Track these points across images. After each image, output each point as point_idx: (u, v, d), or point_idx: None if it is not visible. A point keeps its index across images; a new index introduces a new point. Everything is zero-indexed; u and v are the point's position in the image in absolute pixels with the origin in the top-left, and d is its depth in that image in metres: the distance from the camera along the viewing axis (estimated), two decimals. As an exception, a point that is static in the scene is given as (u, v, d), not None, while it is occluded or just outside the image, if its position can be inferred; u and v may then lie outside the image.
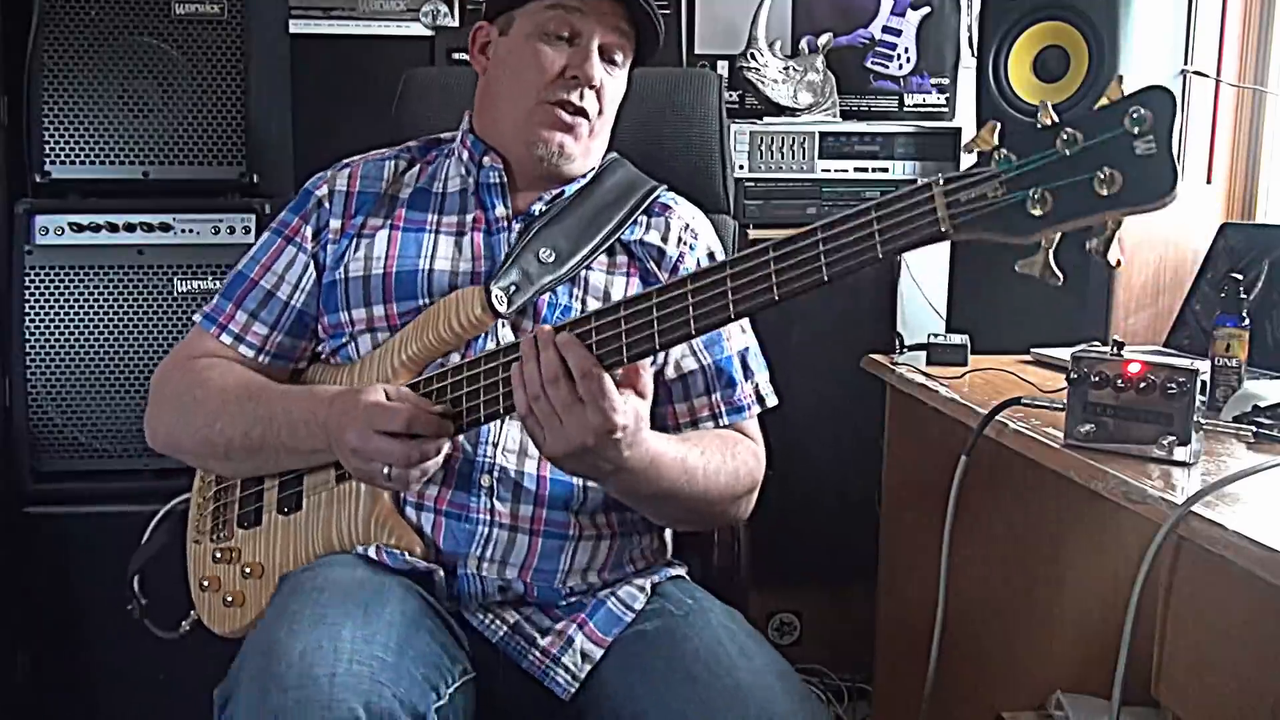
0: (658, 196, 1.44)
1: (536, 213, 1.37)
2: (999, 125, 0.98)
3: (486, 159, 1.38)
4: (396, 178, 1.41)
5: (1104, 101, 0.93)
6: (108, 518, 1.86)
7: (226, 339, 1.37)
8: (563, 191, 1.39)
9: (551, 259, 1.33)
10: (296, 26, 2.26)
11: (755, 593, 2.38)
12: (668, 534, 1.45)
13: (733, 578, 1.60)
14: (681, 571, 1.41)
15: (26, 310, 1.88)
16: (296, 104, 2.13)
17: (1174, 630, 1.14)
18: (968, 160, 2.22)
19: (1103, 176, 0.92)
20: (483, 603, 1.27)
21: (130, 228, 1.91)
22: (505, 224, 1.36)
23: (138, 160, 1.92)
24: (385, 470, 1.17)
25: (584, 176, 1.41)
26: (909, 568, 1.88)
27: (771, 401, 1.43)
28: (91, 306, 1.90)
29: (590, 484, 1.28)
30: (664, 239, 1.40)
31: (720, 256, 1.42)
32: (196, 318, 1.41)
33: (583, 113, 1.34)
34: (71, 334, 1.90)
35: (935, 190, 0.98)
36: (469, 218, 1.37)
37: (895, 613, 1.97)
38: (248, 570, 1.34)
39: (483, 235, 1.36)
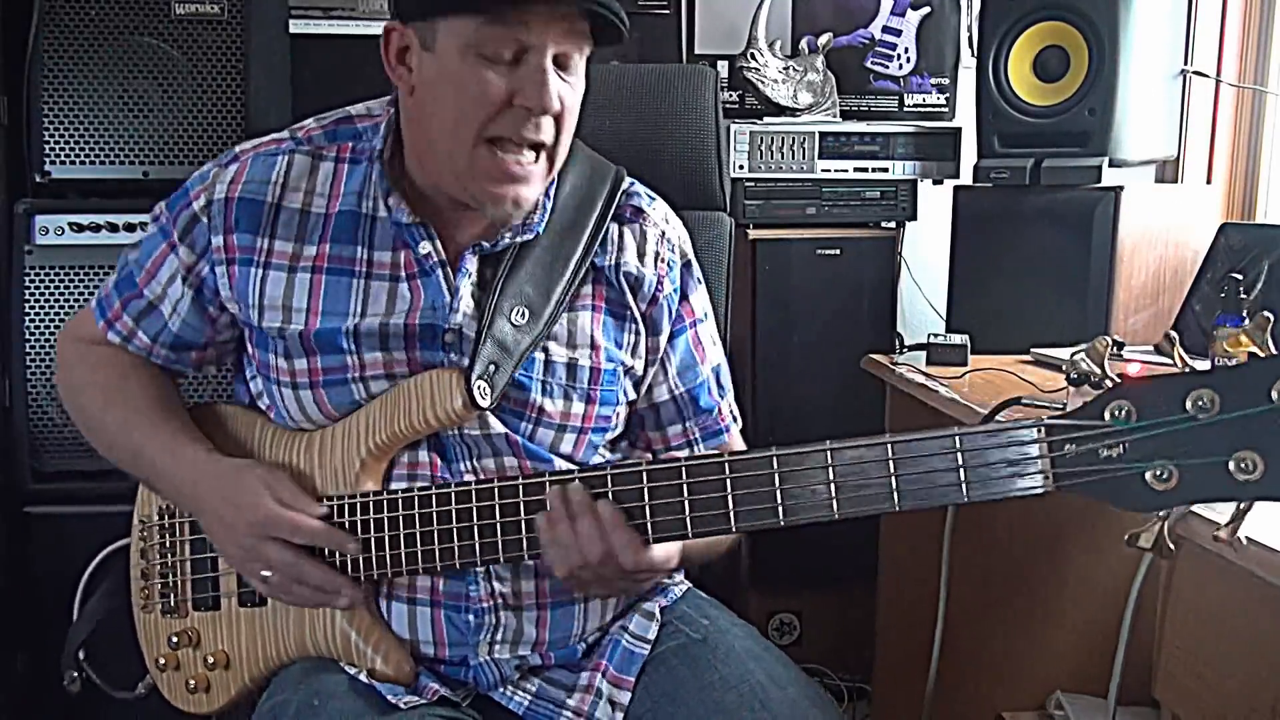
0: (626, 196, 1.26)
1: (488, 256, 1.18)
2: (1112, 342, 0.84)
3: (391, 200, 1.16)
4: (291, 182, 1.19)
5: (1247, 350, 0.80)
6: (108, 518, 1.85)
7: (114, 338, 1.26)
8: (523, 230, 1.19)
9: (525, 318, 1.16)
10: (296, 26, 2.26)
11: (755, 593, 2.39)
12: None
13: (733, 577, 1.60)
14: (684, 583, 1.35)
15: (26, 310, 1.88)
16: (296, 104, 2.13)
17: (1173, 630, 1.14)
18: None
19: (1243, 462, 0.78)
20: (501, 683, 1.20)
21: (130, 228, 1.90)
22: (435, 261, 1.17)
23: (138, 160, 1.91)
24: (266, 574, 1.13)
25: (535, 215, 1.19)
26: (909, 568, 1.87)
27: (738, 421, 1.34)
28: (91, 306, 1.90)
29: None
30: (641, 258, 1.23)
31: (694, 262, 1.30)
32: (92, 302, 1.29)
33: (539, 148, 1.12)
34: (71, 334, 1.89)
35: (1038, 438, 0.85)
36: (401, 257, 1.17)
37: (895, 613, 1.97)
38: (211, 660, 1.23)
39: (419, 280, 1.17)
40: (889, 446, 0.90)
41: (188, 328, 1.24)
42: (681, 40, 2.60)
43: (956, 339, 1.85)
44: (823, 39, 2.53)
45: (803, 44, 2.59)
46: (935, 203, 2.38)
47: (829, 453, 0.92)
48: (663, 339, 1.26)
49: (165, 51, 1.90)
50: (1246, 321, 0.81)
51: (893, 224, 2.40)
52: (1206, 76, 2.26)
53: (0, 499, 1.90)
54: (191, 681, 1.24)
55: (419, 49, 1.11)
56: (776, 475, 0.96)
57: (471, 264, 1.17)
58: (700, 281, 1.31)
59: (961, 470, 0.87)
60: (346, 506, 1.14)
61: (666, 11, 2.59)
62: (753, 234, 2.31)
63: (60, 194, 1.91)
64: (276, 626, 1.20)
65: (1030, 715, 1.85)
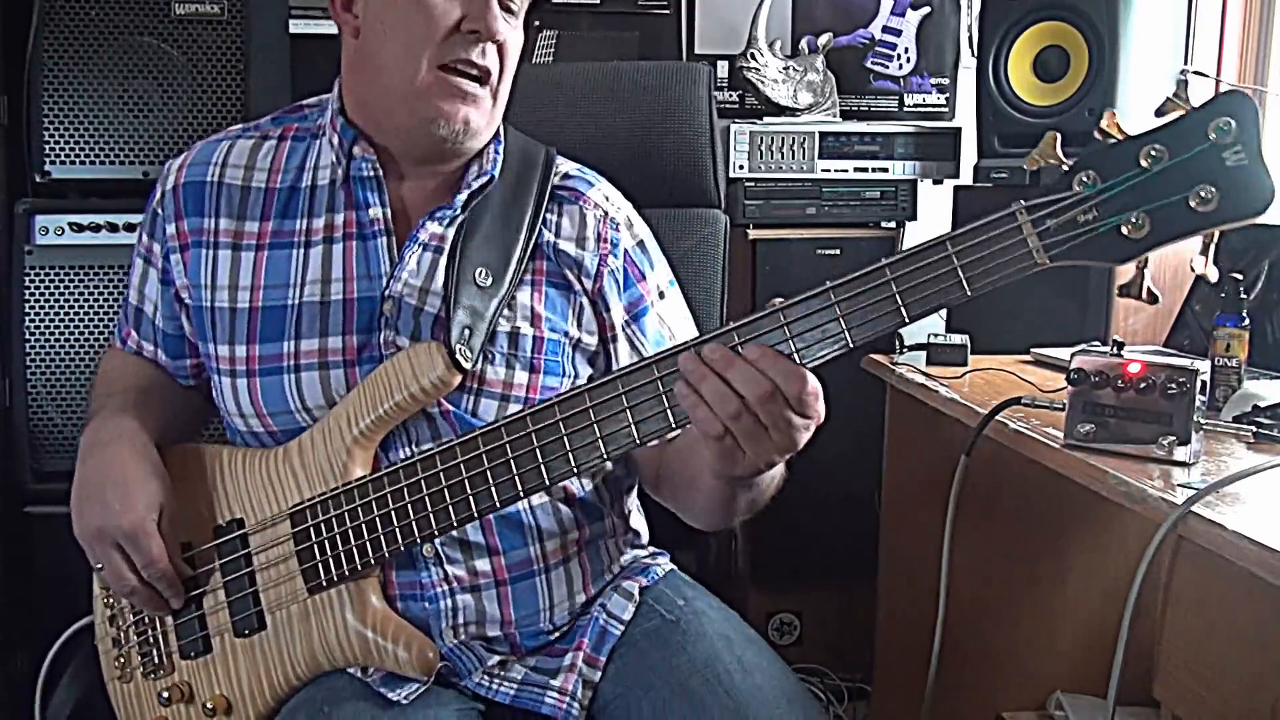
0: (558, 172, 1.27)
1: (451, 218, 1.20)
2: (1059, 136, 0.94)
3: (357, 149, 1.19)
4: (231, 160, 1.23)
5: (1177, 113, 0.90)
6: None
7: (129, 350, 1.32)
8: (477, 191, 1.21)
9: (489, 280, 1.17)
10: (296, 26, 2.26)
11: (755, 593, 2.40)
12: (633, 518, 1.35)
13: (729, 575, 1.60)
14: (668, 564, 1.34)
15: (26, 310, 1.88)
16: (296, 104, 2.13)
17: (1173, 630, 1.14)
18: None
19: (1200, 194, 0.88)
20: (484, 669, 1.18)
21: (130, 228, 1.90)
22: (380, 227, 1.19)
23: (138, 160, 1.91)
24: (98, 565, 1.16)
25: (488, 163, 1.22)
26: (909, 568, 1.87)
27: None
28: (91, 306, 1.90)
29: (537, 505, 1.19)
30: (580, 242, 1.23)
31: (648, 239, 1.29)
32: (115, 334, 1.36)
33: (485, 76, 1.15)
34: (71, 334, 1.89)
35: (1022, 220, 0.92)
36: (339, 219, 1.19)
37: (895, 613, 1.97)
38: (210, 706, 1.17)
39: (355, 243, 1.18)
40: (886, 270, 0.95)
41: (170, 323, 1.27)
42: (681, 40, 2.60)
43: (956, 339, 1.85)
44: (823, 39, 2.53)
45: (803, 44, 2.59)
46: (935, 203, 2.38)
47: (832, 291, 0.96)
48: (617, 317, 1.24)
49: (165, 51, 1.90)
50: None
51: (893, 224, 2.40)
52: (1206, 76, 2.26)
53: (0, 499, 1.91)
54: None
55: None
56: (784, 327, 0.97)
57: (428, 230, 1.19)
58: (657, 259, 1.30)
59: (959, 269, 0.94)
60: (323, 503, 1.13)
61: (666, 11, 2.59)
62: (753, 234, 2.31)
63: (60, 194, 1.91)
64: (281, 648, 1.15)
65: (1030, 715, 1.85)
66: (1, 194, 1.93)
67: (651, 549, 1.37)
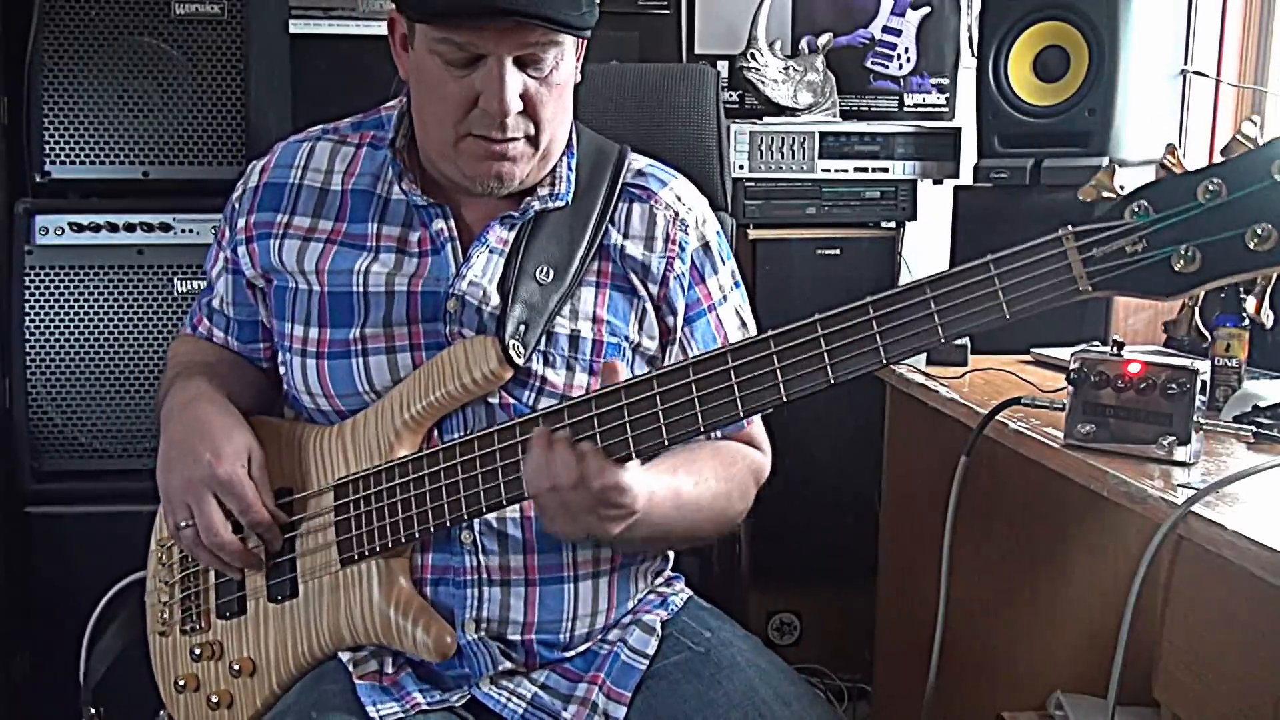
0: (630, 168, 1.28)
1: (513, 224, 1.22)
2: (1115, 167, 0.92)
3: (405, 184, 1.22)
4: (312, 163, 1.25)
5: (1243, 147, 0.87)
6: (108, 518, 1.86)
7: (200, 336, 1.36)
8: (552, 199, 1.23)
9: (550, 277, 1.19)
10: (296, 26, 2.26)
11: (755, 593, 2.39)
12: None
13: (733, 578, 1.60)
14: (684, 590, 1.34)
15: (26, 310, 1.88)
16: (296, 104, 2.13)
17: (1173, 630, 1.14)
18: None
19: (1257, 232, 0.84)
20: (493, 674, 1.18)
21: (130, 228, 1.91)
22: (447, 236, 1.21)
23: (138, 160, 1.91)
24: (185, 523, 1.16)
25: (561, 184, 1.23)
26: (909, 568, 1.88)
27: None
28: (91, 306, 1.90)
29: None
30: (649, 242, 1.23)
31: (713, 241, 1.29)
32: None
33: (514, 138, 1.15)
34: (71, 334, 1.89)
35: (1067, 246, 0.89)
36: (414, 235, 1.21)
37: (895, 613, 1.97)
38: (236, 667, 1.20)
39: (429, 256, 1.21)
40: (926, 288, 0.93)
41: (241, 309, 1.30)
42: (681, 40, 2.60)
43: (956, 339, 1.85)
44: (823, 39, 2.53)
45: (803, 44, 2.59)
46: (935, 203, 2.38)
47: (870, 305, 0.96)
48: (680, 320, 1.25)
49: (165, 51, 1.90)
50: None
51: (893, 224, 2.40)
52: (1206, 76, 2.26)
53: (0, 499, 1.91)
54: (214, 697, 1.21)
55: (408, 41, 1.17)
56: (822, 341, 0.99)
57: (495, 233, 1.21)
58: (724, 261, 1.30)
59: (1000, 292, 0.91)
60: (365, 478, 1.16)
61: (666, 11, 2.59)
62: (753, 234, 2.31)
63: (60, 194, 1.92)
64: (309, 618, 1.18)
65: (1030, 715, 1.84)
66: (1, 194, 1.93)
67: (668, 575, 1.37)
